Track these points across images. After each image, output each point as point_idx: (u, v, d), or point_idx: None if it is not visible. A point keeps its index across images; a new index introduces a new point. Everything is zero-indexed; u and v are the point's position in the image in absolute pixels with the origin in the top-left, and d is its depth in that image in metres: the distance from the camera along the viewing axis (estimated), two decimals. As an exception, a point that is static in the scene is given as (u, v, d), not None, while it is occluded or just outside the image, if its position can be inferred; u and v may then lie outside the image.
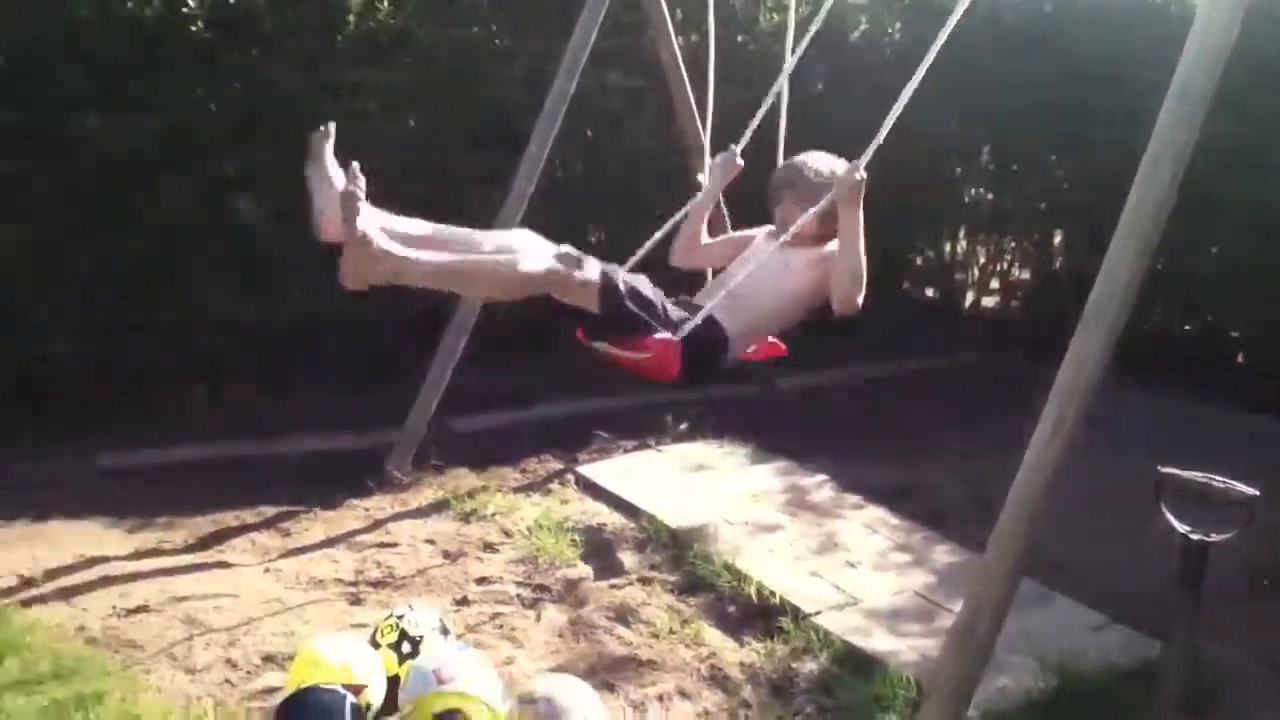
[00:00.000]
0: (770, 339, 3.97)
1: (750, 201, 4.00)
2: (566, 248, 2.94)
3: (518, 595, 3.72)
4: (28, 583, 3.66)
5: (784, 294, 3.24)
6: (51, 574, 3.73)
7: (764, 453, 5.10)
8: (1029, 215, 7.76)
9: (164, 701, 2.95)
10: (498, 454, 5.07)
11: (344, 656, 2.96)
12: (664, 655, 3.29)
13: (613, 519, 4.36)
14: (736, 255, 3.47)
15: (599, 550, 4.08)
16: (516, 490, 4.68)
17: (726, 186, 3.82)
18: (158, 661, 3.19)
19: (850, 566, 3.90)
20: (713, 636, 3.46)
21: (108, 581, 3.68)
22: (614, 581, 3.81)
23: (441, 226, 2.97)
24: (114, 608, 3.49)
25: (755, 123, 3.67)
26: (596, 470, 4.84)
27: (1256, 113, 5.52)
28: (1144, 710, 2.85)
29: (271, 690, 3.03)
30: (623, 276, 2.96)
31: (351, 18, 5.55)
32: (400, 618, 3.19)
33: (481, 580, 3.82)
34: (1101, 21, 6.65)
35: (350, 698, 2.76)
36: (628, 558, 4.02)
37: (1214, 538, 2.71)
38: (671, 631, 3.46)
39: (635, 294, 2.96)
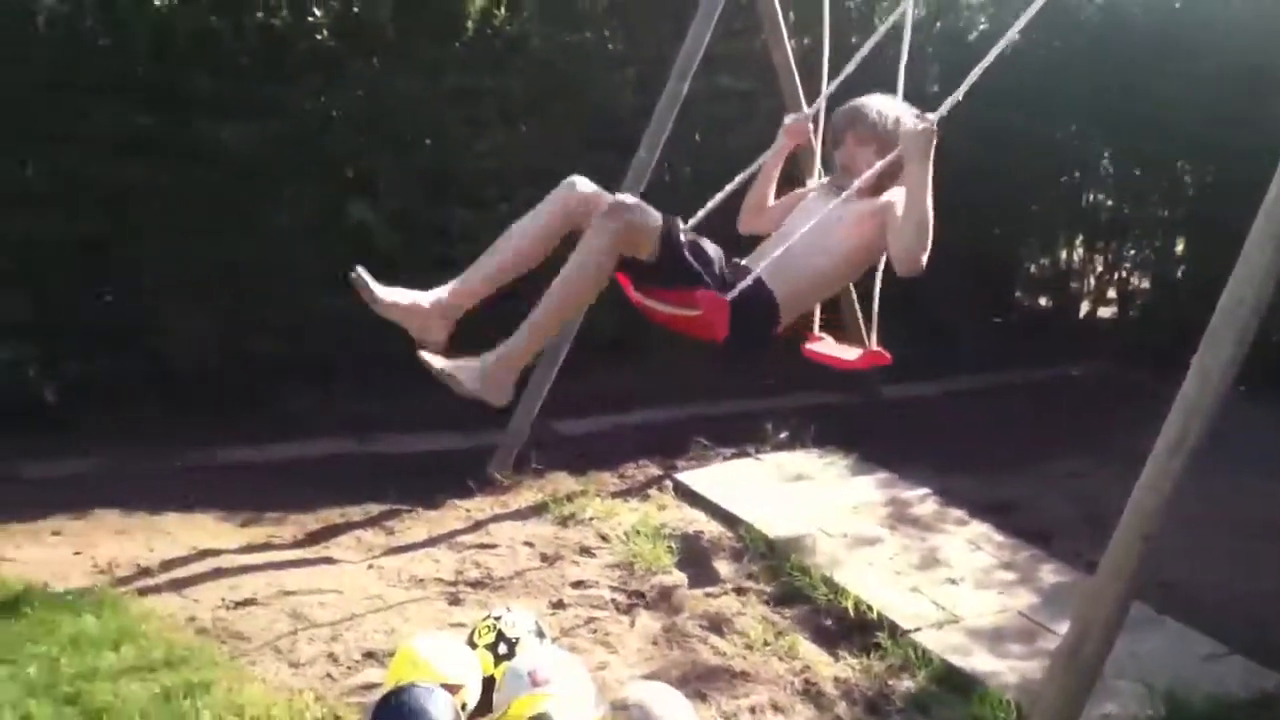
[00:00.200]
0: (876, 348, 3.93)
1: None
2: (623, 195, 2.93)
3: (613, 600, 3.73)
4: (144, 572, 3.80)
5: (835, 251, 3.08)
6: (166, 565, 3.87)
7: (865, 464, 5.02)
8: (1151, 222, 7.50)
9: (268, 693, 3.02)
10: (597, 458, 5.09)
11: (442, 656, 3.00)
12: (758, 667, 3.26)
13: (710, 527, 4.34)
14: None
15: (695, 558, 4.07)
16: (615, 495, 4.69)
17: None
18: (263, 653, 3.28)
19: (951, 583, 3.81)
20: (808, 650, 3.42)
21: (218, 574, 3.80)
22: (709, 590, 3.79)
23: (499, 257, 3.09)
24: (223, 599, 3.61)
25: (833, 86, 3.54)
26: (695, 477, 4.82)
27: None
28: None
29: (370, 686, 3.08)
30: (684, 229, 2.91)
31: (470, 25, 5.65)
32: (498, 619, 3.22)
33: (578, 584, 3.84)
34: (1233, 21, 6.38)
35: (447, 697, 2.79)
36: (723, 566, 4.00)
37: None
38: (766, 643, 3.42)
39: (695, 246, 2.92)
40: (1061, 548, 4.10)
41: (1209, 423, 2.53)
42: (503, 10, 5.71)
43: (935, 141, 2.89)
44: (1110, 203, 7.75)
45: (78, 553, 3.98)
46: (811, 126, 3.51)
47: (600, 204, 2.95)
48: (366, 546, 4.21)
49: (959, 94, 2.87)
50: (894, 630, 3.46)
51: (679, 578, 3.87)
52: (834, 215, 3.07)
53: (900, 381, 5.86)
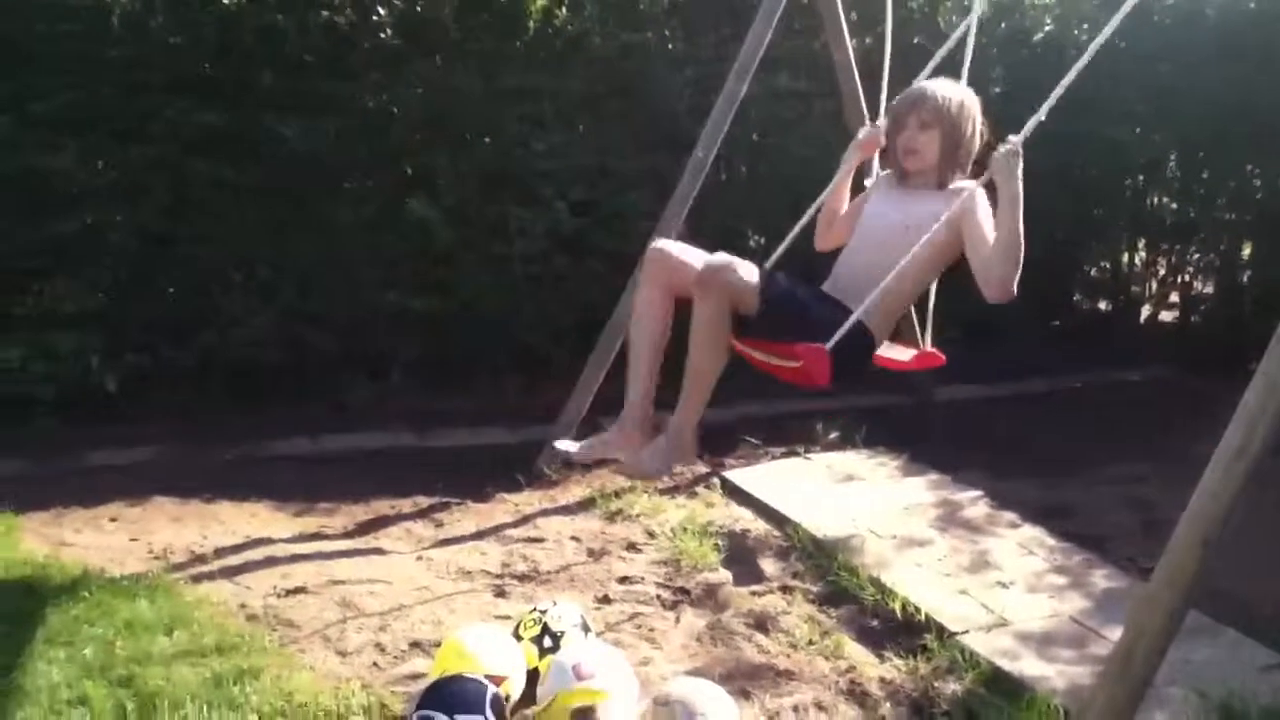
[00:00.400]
0: (930, 349, 3.89)
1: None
2: (719, 255, 2.96)
3: (658, 596, 3.73)
4: (198, 559, 3.88)
5: (912, 268, 2.98)
6: (220, 552, 3.94)
7: (917, 465, 4.97)
8: (1216, 225, 7.33)
9: (316, 681, 3.06)
10: (646, 455, 5.09)
11: (488, 647, 3.02)
12: (802, 666, 3.24)
13: (756, 525, 4.32)
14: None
15: (741, 556, 4.06)
16: (662, 492, 4.69)
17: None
18: (312, 642, 3.32)
19: (1002, 586, 3.76)
20: (853, 650, 3.38)
21: (270, 562, 3.87)
22: (755, 588, 3.78)
23: (644, 353, 3.21)
24: (275, 587, 3.66)
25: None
26: (743, 475, 4.81)
27: None
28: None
29: (417, 676, 3.11)
30: (779, 277, 2.92)
31: (531, 24, 5.69)
32: (543, 612, 3.24)
33: (624, 579, 3.84)
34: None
35: (492, 688, 2.81)
36: (770, 565, 3.98)
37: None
38: (811, 642, 3.40)
39: (790, 296, 2.94)
40: (1116, 553, 4.02)
41: (1274, 430, 2.46)
42: (564, 10, 5.74)
43: (1020, 165, 2.85)
44: (1175, 205, 7.59)
45: (134, 539, 4.07)
46: (883, 139, 3.48)
47: (691, 267, 3.01)
48: (416, 538, 4.26)
49: (1041, 114, 2.82)
50: (941, 632, 3.41)
51: (724, 575, 3.87)
52: (899, 223, 3.06)
53: (954, 383, 5.78)
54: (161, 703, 2.85)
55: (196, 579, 3.69)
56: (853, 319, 2.92)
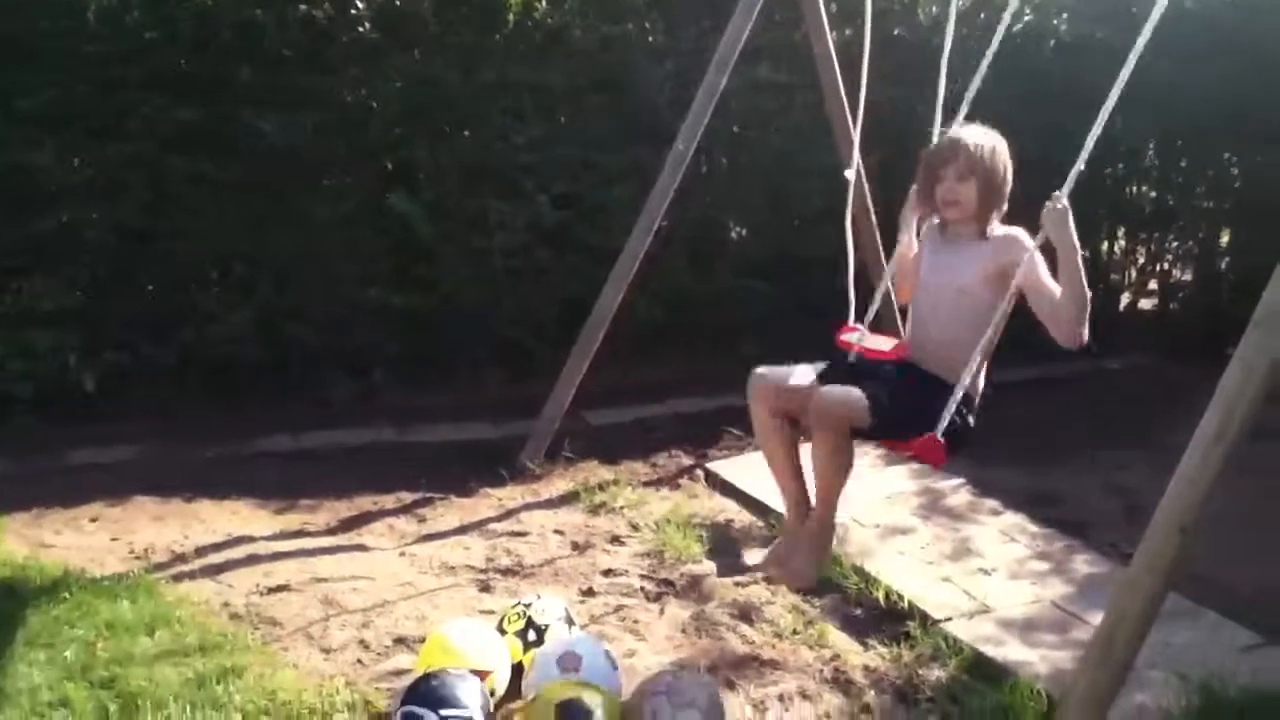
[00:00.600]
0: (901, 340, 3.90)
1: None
2: (826, 391, 3.02)
3: (642, 589, 3.73)
4: (180, 558, 3.86)
5: (984, 322, 3.07)
6: (201, 551, 3.92)
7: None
8: (1195, 213, 7.37)
9: (299, 678, 3.05)
10: (629, 448, 5.11)
11: (472, 642, 3.02)
12: (786, 655, 3.25)
13: (740, 516, 4.33)
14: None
15: (725, 547, 4.06)
16: (646, 484, 4.70)
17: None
18: (295, 639, 3.31)
19: (984, 573, 3.78)
20: (837, 639, 3.40)
21: (253, 560, 3.85)
22: (739, 579, 3.78)
23: (779, 469, 3.34)
24: (257, 585, 3.65)
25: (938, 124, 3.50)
26: (726, 467, 4.81)
27: None
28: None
29: (401, 672, 3.10)
30: (876, 391, 3.00)
31: (511, 17, 5.66)
32: (527, 606, 3.24)
33: (608, 572, 3.84)
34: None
35: (476, 682, 2.81)
36: (753, 555, 3.98)
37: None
38: (795, 632, 3.41)
39: (896, 402, 3.02)
40: (1097, 539, 4.05)
41: (1249, 416, 2.48)
42: (544, 3, 5.72)
43: (1070, 217, 2.93)
44: (1154, 194, 7.63)
45: (115, 539, 4.05)
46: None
47: (796, 390, 3.14)
48: (399, 534, 4.25)
49: (1080, 164, 2.90)
50: (925, 620, 3.43)
51: (708, 566, 3.87)
52: (952, 283, 3.15)
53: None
54: (144, 703, 2.84)
55: (178, 578, 3.67)
56: (952, 405, 2.94)
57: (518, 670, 3.06)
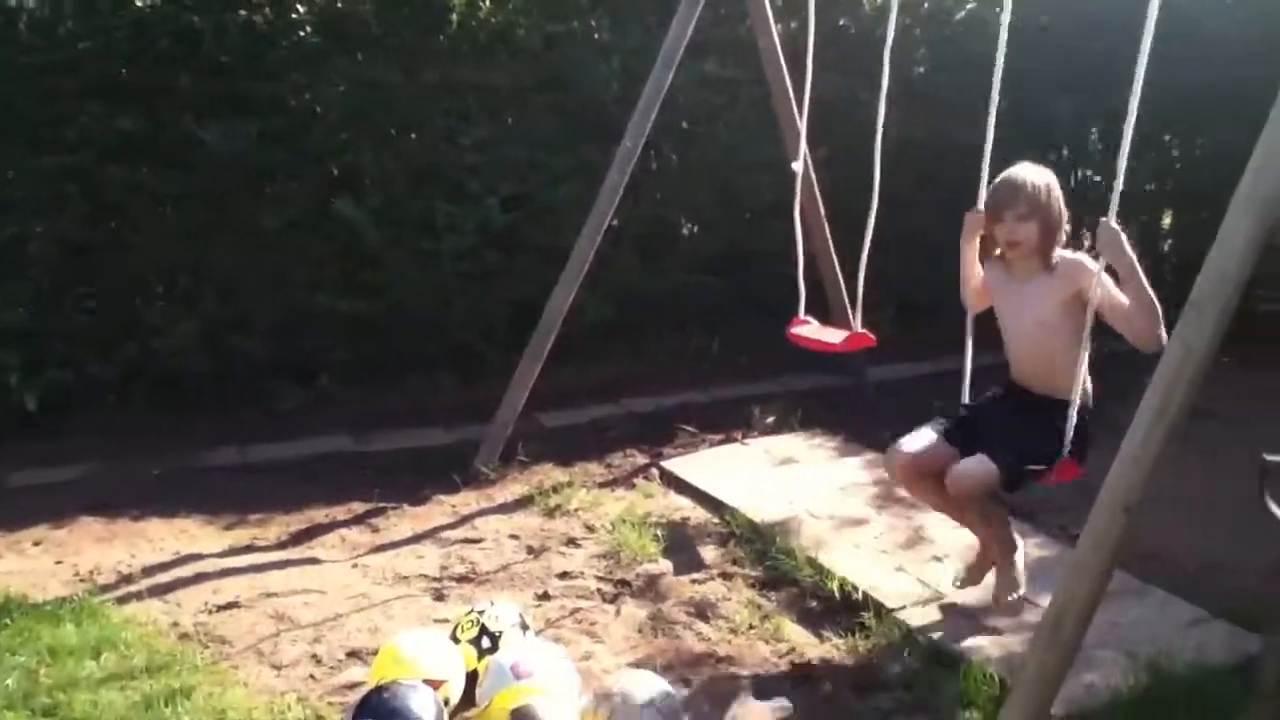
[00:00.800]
0: (860, 330, 3.94)
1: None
2: (959, 467, 3.18)
3: (598, 590, 3.71)
4: (126, 579, 3.79)
5: (1068, 340, 3.18)
6: (148, 571, 3.86)
7: (853, 445, 5.00)
8: (1138, 196, 7.46)
9: (249, 696, 3.00)
10: (584, 449, 5.09)
11: (425, 652, 2.99)
12: (743, 651, 3.25)
13: (696, 513, 4.32)
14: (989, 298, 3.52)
15: (681, 545, 4.05)
16: (601, 485, 4.67)
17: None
18: (246, 657, 3.26)
19: (937, 561, 3.79)
20: (793, 632, 3.40)
21: (201, 578, 3.79)
22: (695, 576, 3.77)
23: (949, 514, 3.47)
24: (206, 604, 3.59)
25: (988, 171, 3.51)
26: (681, 465, 4.81)
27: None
28: (1240, 708, 2.68)
29: (354, 685, 3.07)
30: (998, 449, 3.15)
31: (454, 17, 5.62)
32: (481, 613, 3.21)
33: (563, 575, 3.82)
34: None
35: (429, 693, 2.77)
36: (709, 552, 3.98)
37: (1320, 528, 2.53)
38: (751, 627, 3.40)
39: (1022, 456, 3.16)
40: (1047, 522, 4.07)
41: (1190, 395, 2.49)
42: (487, 2, 5.67)
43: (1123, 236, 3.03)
44: (1098, 179, 7.70)
45: (59, 562, 3.97)
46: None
47: (933, 454, 3.31)
48: (351, 545, 4.19)
49: (1118, 188, 2.97)
50: (880, 610, 3.44)
51: (665, 565, 3.86)
52: (1032, 318, 3.29)
53: (887, 363, 5.82)
54: (89, 728, 2.78)
55: (124, 600, 3.61)
56: (1071, 426, 3.09)
57: (473, 678, 3.02)
